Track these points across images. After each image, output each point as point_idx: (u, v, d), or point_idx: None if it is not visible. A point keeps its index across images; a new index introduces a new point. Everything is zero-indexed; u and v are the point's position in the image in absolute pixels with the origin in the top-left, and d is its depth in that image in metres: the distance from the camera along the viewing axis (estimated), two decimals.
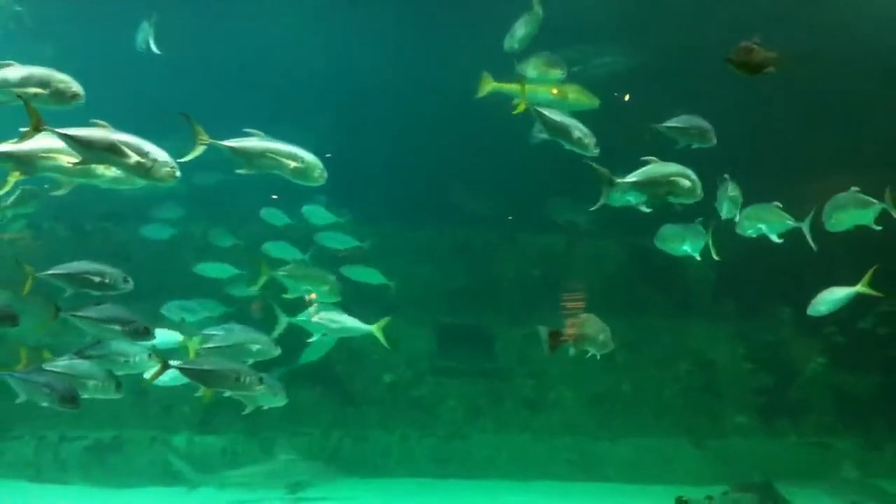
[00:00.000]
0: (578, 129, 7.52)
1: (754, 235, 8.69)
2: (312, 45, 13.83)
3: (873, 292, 8.47)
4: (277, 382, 8.12)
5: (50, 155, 6.81)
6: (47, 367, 7.22)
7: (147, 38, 12.10)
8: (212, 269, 12.50)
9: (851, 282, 12.81)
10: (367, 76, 13.97)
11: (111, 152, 6.38)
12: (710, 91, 9.25)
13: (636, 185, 7.56)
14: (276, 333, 9.24)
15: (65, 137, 6.39)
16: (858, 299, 11.60)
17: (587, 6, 12.49)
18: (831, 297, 8.69)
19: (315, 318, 9.32)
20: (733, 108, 8.89)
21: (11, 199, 12.14)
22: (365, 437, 13.27)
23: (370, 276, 12.44)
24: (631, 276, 14.12)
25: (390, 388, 13.86)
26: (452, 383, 13.89)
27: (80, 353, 7.42)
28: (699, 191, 7.68)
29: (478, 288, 14.52)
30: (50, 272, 7.27)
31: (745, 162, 8.24)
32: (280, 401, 8.19)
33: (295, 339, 9.96)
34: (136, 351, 7.61)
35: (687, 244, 8.92)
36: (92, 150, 6.40)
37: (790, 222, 8.50)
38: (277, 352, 8.30)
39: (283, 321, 9.64)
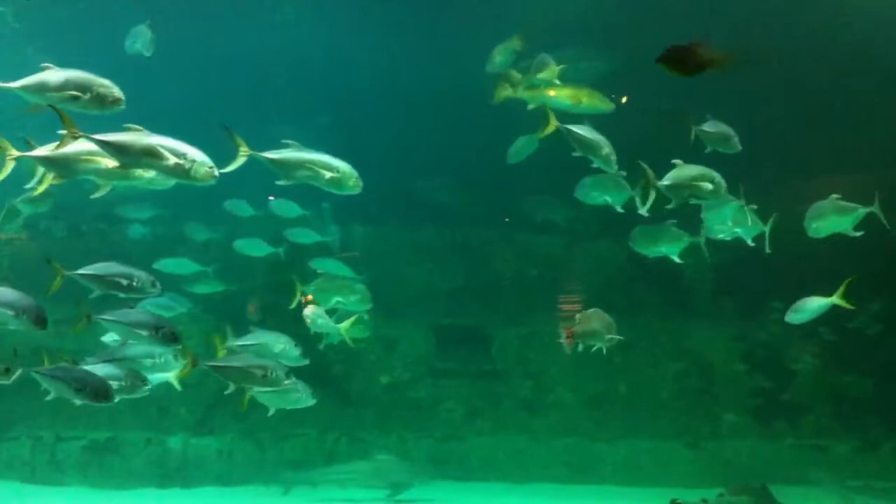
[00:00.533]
0: (607, 146, 7.87)
1: (726, 238, 8.81)
2: (309, 41, 13.82)
3: (848, 305, 8.54)
4: (304, 383, 8.15)
5: (87, 158, 6.77)
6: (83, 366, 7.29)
7: (143, 42, 12.14)
8: (174, 266, 12.46)
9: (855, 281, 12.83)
10: (364, 73, 13.97)
11: (149, 155, 6.41)
12: (692, 91, 9.30)
13: (670, 188, 7.76)
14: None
15: (101, 143, 6.42)
16: (857, 300, 11.66)
17: (569, 9, 12.55)
18: (808, 307, 8.80)
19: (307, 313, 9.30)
20: (715, 109, 9.03)
21: (22, 197, 12.29)
22: (362, 439, 13.25)
23: (339, 269, 12.49)
24: (629, 276, 14.09)
25: (387, 388, 13.84)
26: (450, 384, 13.88)
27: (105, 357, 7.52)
28: (723, 192, 7.92)
29: (475, 288, 14.51)
30: (79, 272, 7.35)
31: (728, 162, 8.30)
32: (306, 401, 8.21)
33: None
34: (162, 350, 7.71)
35: (662, 246, 9.12)
36: (129, 155, 6.42)
37: (758, 225, 8.62)
38: (298, 352, 8.35)
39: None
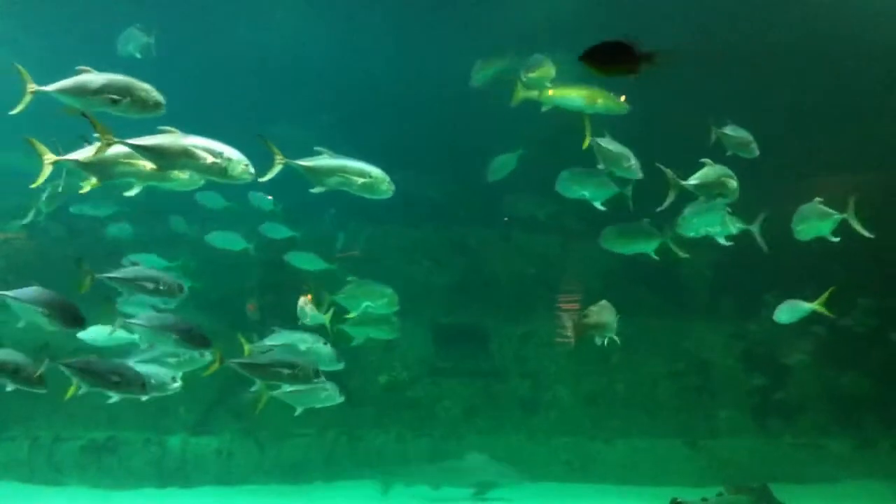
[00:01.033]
0: (632, 157, 8.24)
1: (697, 236, 8.95)
2: (311, 39, 13.82)
3: (827, 312, 8.81)
4: (332, 382, 8.16)
5: (125, 161, 6.84)
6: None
7: (135, 45, 12.28)
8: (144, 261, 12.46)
9: (845, 281, 12.92)
10: (365, 71, 13.98)
11: (186, 156, 6.50)
12: (664, 94, 9.42)
13: (698, 187, 8.08)
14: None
15: (138, 148, 6.50)
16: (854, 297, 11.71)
17: (541, 13, 12.61)
18: (793, 309, 9.02)
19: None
20: (686, 111, 9.23)
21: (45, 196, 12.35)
22: (360, 437, 13.25)
23: (311, 262, 12.54)
24: (627, 275, 14.10)
25: (386, 387, 13.85)
26: (449, 383, 13.89)
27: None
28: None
29: (474, 287, 14.53)
30: (107, 276, 7.47)
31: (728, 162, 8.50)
32: (334, 399, 8.22)
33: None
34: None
35: (634, 244, 9.33)
36: (167, 157, 6.50)
37: (738, 224, 8.76)
38: (329, 350, 8.42)
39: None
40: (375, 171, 7.50)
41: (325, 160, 7.40)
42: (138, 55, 12.23)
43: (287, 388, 7.92)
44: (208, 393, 11.98)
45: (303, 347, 8.34)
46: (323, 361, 8.31)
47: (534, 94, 9.30)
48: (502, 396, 13.91)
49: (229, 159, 6.58)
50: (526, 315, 14.32)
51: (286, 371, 7.58)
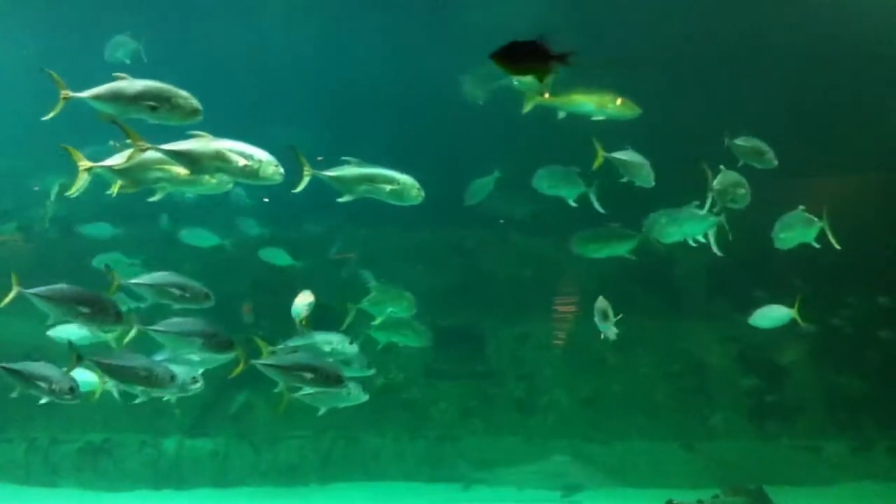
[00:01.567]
0: (647, 166, 8.47)
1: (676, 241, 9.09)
2: (304, 41, 13.86)
3: (801, 322, 9.05)
4: (354, 382, 8.15)
5: (158, 167, 6.87)
6: None
7: (124, 52, 12.56)
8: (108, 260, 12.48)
9: (843, 282, 12.96)
10: (359, 73, 14.01)
11: (218, 160, 6.53)
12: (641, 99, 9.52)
13: (719, 193, 8.37)
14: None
15: (171, 153, 6.52)
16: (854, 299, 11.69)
17: (516, 16, 12.68)
18: (771, 314, 9.12)
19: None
20: (666, 116, 9.36)
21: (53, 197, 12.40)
22: (356, 439, 13.24)
23: (279, 257, 12.56)
24: (623, 277, 14.11)
25: (382, 389, 13.81)
26: (445, 385, 13.87)
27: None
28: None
29: (470, 289, 14.52)
30: (133, 281, 7.47)
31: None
32: (357, 399, 8.20)
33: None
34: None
35: (606, 247, 9.50)
36: (199, 162, 6.53)
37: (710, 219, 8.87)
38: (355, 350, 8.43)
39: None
40: (404, 178, 7.54)
41: (352, 169, 7.43)
42: (127, 61, 12.37)
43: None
44: (203, 395, 11.95)
45: (327, 349, 8.30)
46: (348, 362, 8.30)
47: (545, 100, 9.34)
48: (499, 398, 13.90)
49: (260, 161, 6.61)
50: (522, 317, 14.32)
51: (309, 375, 7.51)
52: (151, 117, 6.43)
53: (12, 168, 14.49)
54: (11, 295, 7.38)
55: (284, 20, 14.14)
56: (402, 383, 13.87)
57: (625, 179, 8.58)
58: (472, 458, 12.98)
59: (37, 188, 14.53)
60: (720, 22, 13.61)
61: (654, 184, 8.52)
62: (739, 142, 8.64)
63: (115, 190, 6.98)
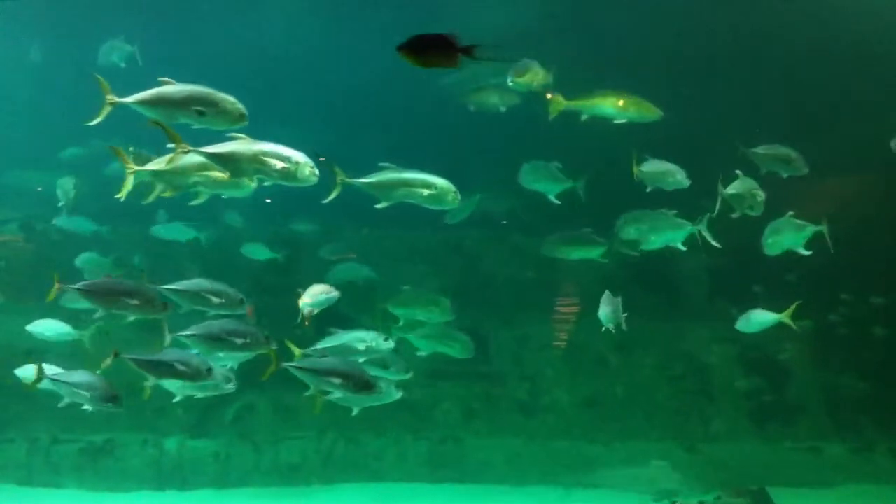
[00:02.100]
0: (679, 172, 8.62)
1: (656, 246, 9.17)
2: (308, 41, 13.87)
3: (792, 324, 8.97)
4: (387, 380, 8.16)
5: (200, 170, 6.98)
6: None
7: (119, 55, 12.78)
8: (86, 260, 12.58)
9: (844, 283, 12.95)
10: (359, 73, 14.01)
11: (257, 163, 6.57)
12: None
13: (734, 197, 8.50)
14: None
15: (211, 156, 6.58)
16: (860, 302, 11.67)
17: (498, 21, 12.73)
18: (758, 319, 9.18)
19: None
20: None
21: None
22: (358, 440, 13.23)
23: (259, 252, 12.54)
24: (624, 278, 14.10)
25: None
26: (446, 386, 13.86)
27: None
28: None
29: (471, 290, 14.51)
30: (168, 287, 7.50)
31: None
32: (390, 397, 8.20)
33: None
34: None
35: (575, 252, 9.64)
36: (239, 164, 6.59)
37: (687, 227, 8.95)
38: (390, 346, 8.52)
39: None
40: (440, 182, 7.55)
41: (387, 175, 7.46)
42: (122, 64, 12.49)
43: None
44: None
45: (361, 347, 8.29)
46: (386, 364, 8.29)
47: (570, 104, 9.38)
48: (501, 399, 13.89)
49: (297, 163, 6.64)
50: (524, 318, 14.31)
51: (341, 380, 7.48)
52: (198, 122, 6.49)
53: (14, 169, 14.57)
54: (54, 291, 7.50)
55: (284, 18, 14.15)
56: (405, 384, 13.83)
57: (650, 189, 8.68)
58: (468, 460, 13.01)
59: (39, 189, 14.57)
60: (713, 20, 13.60)
61: (687, 184, 8.66)
62: (761, 150, 8.63)
63: (155, 195, 7.04)
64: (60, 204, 13.06)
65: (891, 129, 9.22)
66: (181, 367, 7.18)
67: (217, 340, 7.39)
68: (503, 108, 11.90)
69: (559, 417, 13.74)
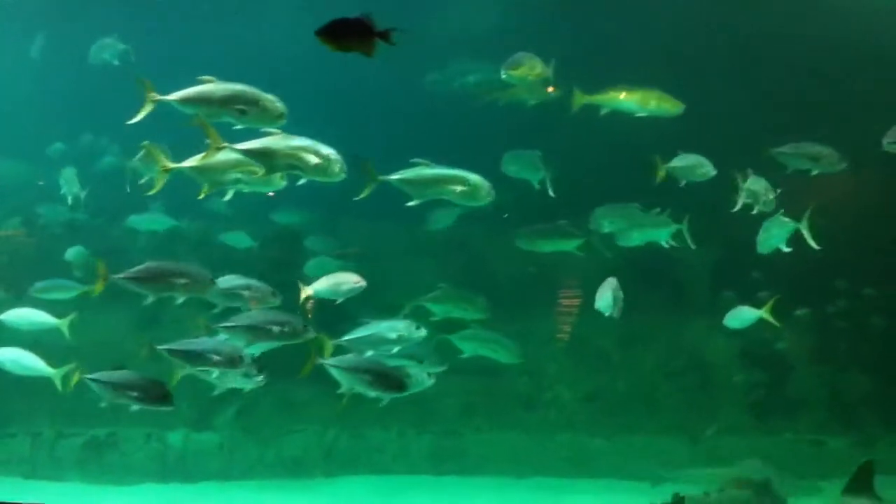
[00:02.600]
0: (707, 163, 8.76)
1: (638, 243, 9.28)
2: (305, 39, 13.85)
3: (774, 321, 9.25)
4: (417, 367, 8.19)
5: (236, 166, 6.99)
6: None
7: (111, 53, 13.12)
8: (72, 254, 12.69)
9: (849, 278, 12.96)
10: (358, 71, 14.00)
11: (292, 158, 6.61)
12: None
13: (750, 193, 8.67)
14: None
15: (248, 152, 6.61)
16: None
17: (465, 22, 12.76)
18: (742, 315, 9.26)
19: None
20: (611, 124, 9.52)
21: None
22: (361, 434, 13.26)
23: (240, 240, 12.57)
24: (626, 273, 14.09)
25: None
26: (449, 380, 13.83)
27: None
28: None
29: (473, 285, 14.49)
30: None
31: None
32: (421, 384, 8.23)
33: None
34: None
35: (551, 244, 9.74)
36: (275, 160, 6.63)
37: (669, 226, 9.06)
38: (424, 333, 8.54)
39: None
40: (473, 178, 7.59)
41: (419, 171, 7.47)
42: (116, 62, 12.57)
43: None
44: (209, 388, 12.01)
45: (393, 336, 8.30)
46: (420, 359, 8.32)
47: (591, 99, 9.42)
48: (503, 394, 13.91)
49: (329, 159, 6.66)
50: (525, 313, 14.32)
51: (372, 378, 7.62)
52: (239, 121, 6.53)
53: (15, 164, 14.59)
54: (101, 283, 7.46)
55: (285, 18, 14.16)
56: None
57: (683, 183, 8.81)
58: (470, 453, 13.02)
59: (41, 182, 14.59)
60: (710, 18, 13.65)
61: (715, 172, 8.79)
62: (787, 149, 8.69)
63: (204, 192, 7.07)
64: (64, 193, 13.06)
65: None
66: (215, 357, 7.22)
67: (255, 330, 7.45)
68: (533, 103, 11.86)
69: (561, 412, 13.76)
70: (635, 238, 9.59)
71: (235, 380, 8.09)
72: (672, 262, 13.80)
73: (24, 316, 9.92)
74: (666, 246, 9.39)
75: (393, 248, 14.68)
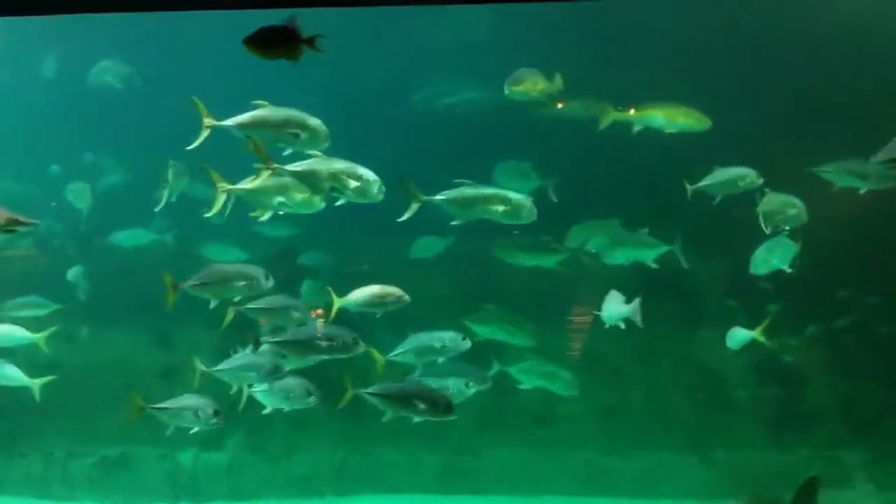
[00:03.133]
0: (750, 175, 8.78)
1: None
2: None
3: (764, 341, 9.39)
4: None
5: (284, 188, 7.21)
6: None
7: (113, 75, 13.12)
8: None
9: (864, 290, 12.82)
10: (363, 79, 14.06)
11: (333, 180, 6.89)
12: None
13: (767, 215, 8.76)
14: None
15: (295, 174, 6.88)
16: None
17: (449, 42, 12.80)
18: (735, 336, 9.26)
19: None
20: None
21: None
22: (371, 452, 13.20)
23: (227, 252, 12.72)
24: (637, 286, 14.02)
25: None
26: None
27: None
28: None
29: (483, 299, 14.45)
30: (249, 307, 7.80)
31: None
32: (461, 395, 8.22)
33: None
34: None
35: (530, 258, 9.80)
36: (318, 181, 6.91)
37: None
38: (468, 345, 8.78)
39: None
40: (516, 197, 7.72)
41: (463, 191, 7.65)
42: (118, 86, 12.65)
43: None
44: (220, 408, 12.06)
45: (438, 346, 8.35)
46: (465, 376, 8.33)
47: (619, 115, 9.45)
48: (514, 410, 13.82)
49: (368, 181, 6.91)
50: (538, 327, 14.24)
51: (418, 404, 7.82)
52: (290, 144, 6.81)
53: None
54: (173, 294, 7.68)
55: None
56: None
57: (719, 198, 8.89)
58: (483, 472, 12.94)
59: (54, 204, 14.66)
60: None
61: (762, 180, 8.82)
62: (832, 168, 8.67)
63: (260, 214, 7.34)
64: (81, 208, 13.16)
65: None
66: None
67: (304, 344, 7.57)
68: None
69: (574, 428, 13.66)
70: (619, 256, 9.61)
71: (286, 400, 8.19)
72: (684, 274, 13.73)
73: (2, 332, 10.08)
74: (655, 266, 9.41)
75: (401, 261, 14.63)
